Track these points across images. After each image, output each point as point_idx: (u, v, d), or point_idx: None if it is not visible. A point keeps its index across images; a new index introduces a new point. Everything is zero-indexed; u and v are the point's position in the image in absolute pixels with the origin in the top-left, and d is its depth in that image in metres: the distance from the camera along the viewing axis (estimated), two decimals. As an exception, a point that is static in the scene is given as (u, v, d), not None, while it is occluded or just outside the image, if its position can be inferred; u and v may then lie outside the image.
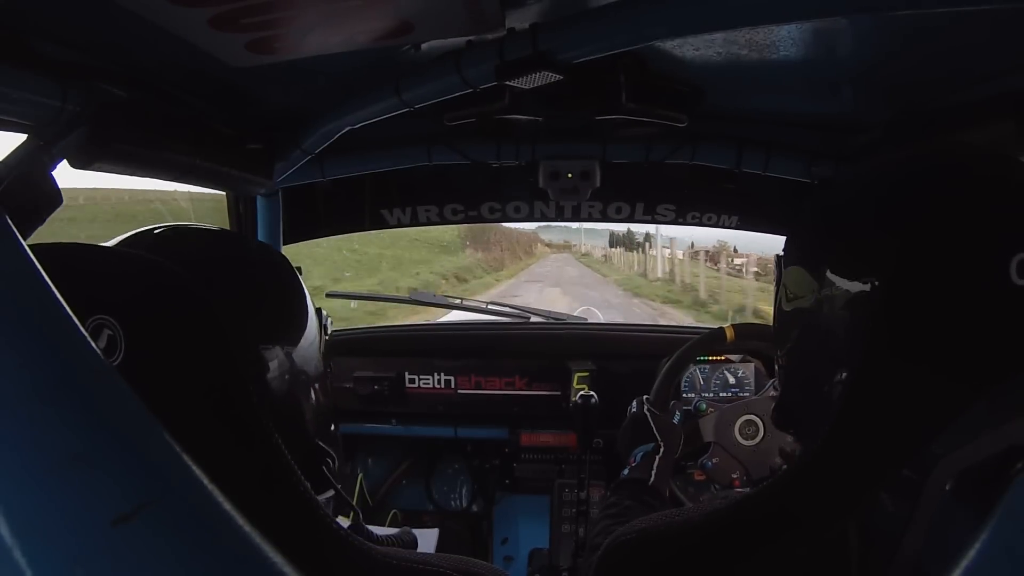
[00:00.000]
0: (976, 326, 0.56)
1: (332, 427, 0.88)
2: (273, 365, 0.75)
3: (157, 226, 0.79)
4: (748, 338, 1.49)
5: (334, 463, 0.82)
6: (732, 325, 1.49)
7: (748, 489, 1.50)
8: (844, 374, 0.62)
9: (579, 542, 1.53)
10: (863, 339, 0.60)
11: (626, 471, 1.26)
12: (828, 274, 0.64)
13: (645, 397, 1.39)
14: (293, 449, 0.64)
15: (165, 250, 0.72)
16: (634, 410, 1.38)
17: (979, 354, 0.56)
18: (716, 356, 1.88)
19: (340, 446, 0.91)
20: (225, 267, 0.78)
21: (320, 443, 0.82)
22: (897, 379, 0.58)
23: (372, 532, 0.81)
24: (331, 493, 0.82)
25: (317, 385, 0.82)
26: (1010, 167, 0.62)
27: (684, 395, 1.85)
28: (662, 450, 1.26)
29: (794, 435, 0.82)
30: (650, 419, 1.31)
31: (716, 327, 1.52)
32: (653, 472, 1.21)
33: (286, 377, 0.77)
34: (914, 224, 0.59)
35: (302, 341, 0.80)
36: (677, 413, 1.53)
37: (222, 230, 0.89)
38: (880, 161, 0.71)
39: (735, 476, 1.47)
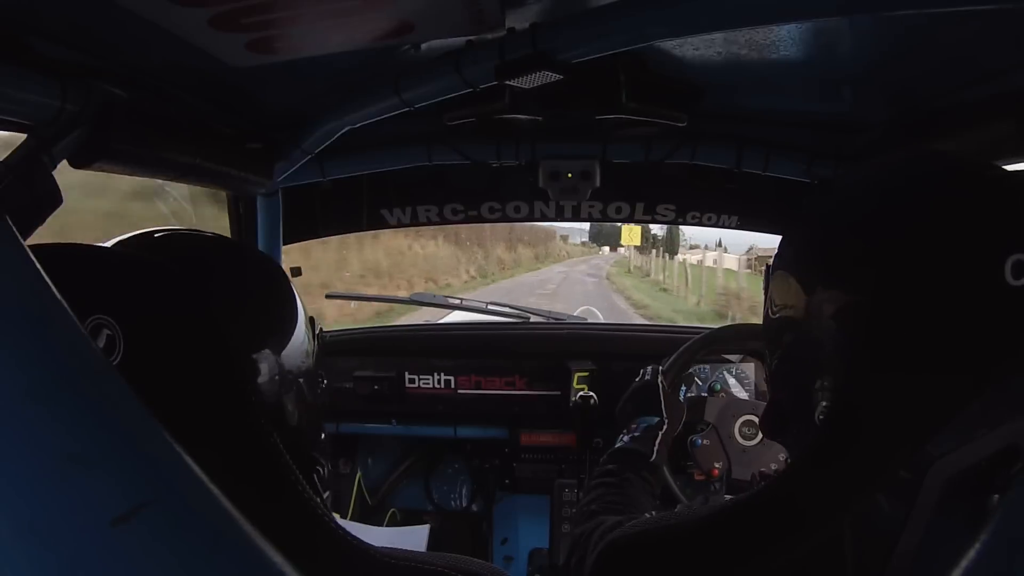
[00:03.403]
0: (971, 328, 0.56)
1: (323, 436, 0.87)
2: (262, 369, 0.75)
3: (156, 229, 0.79)
4: None
5: (323, 471, 0.83)
6: None
7: (724, 483, 1.51)
8: (833, 380, 0.62)
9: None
10: (855, 344, 0.59)
11: (626, 437, 1.23)
12: (818, 281, 0.63)
13: (660, 368, 1.35)
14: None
15: (160, 253, 0.72)
16: (647, 378, 1.33)
17: (975, 356, 0.56)
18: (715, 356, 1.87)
19: (329, 453, 0.92)
20: (216, 272, 0.77)
21: (312, 453, 0.83)
22: (891, 383, 0.58)
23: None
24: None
25: (307, 393, 0.82)
26: (1001, 171, 0.62)
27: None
28: (665, 427, 1.23)
29: (783, 443, 0.82)
30: (661, 391, 1.27)
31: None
32: (656, 448, 1.19)
33: (274, 385, 0.76)
34: (909, 229, 0.59)
35: (290, 347, 0.79)
36: (683, 388, 1.50)
37: (216, 235, 0.88)
38: (873, 166, 0.71)
39: (717, 465, 1.47)
